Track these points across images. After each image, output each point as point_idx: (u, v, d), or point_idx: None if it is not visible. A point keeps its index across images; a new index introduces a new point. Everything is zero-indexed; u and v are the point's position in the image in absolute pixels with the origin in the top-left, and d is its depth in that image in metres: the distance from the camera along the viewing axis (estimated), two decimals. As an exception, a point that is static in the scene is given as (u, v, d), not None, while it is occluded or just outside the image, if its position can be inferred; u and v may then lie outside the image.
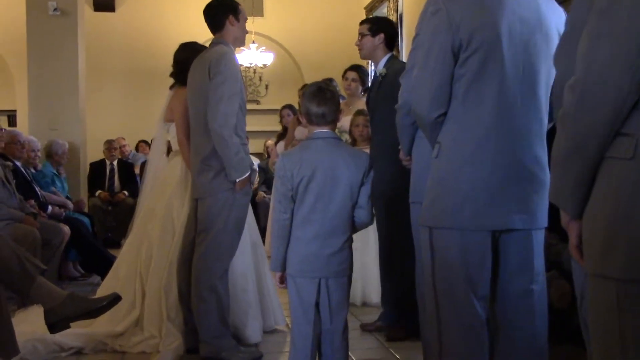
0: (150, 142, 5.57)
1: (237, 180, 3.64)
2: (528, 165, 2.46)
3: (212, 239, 3.71)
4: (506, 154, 2.44)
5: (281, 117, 7.57)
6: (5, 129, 6.35)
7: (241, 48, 5.39)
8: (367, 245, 4.96)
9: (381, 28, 4.27)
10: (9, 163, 5.61)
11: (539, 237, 2.55)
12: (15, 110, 10.97)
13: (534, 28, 2.48)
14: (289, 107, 7.46)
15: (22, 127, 8.82)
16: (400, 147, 3.32)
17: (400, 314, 4.20)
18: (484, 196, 2.43)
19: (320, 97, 2.86)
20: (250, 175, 3.71)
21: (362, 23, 4.42)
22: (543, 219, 2.53)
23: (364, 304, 5.11)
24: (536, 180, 2.47)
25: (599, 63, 1.46)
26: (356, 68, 5.56)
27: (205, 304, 3.70)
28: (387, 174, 3.87)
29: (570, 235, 1.62)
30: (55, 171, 6.79)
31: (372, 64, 4.80)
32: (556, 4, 2.61)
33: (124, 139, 9.64)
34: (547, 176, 2.46)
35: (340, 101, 3.14)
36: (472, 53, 2.41)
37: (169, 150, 4.46)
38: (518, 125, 2.46)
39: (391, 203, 4.00)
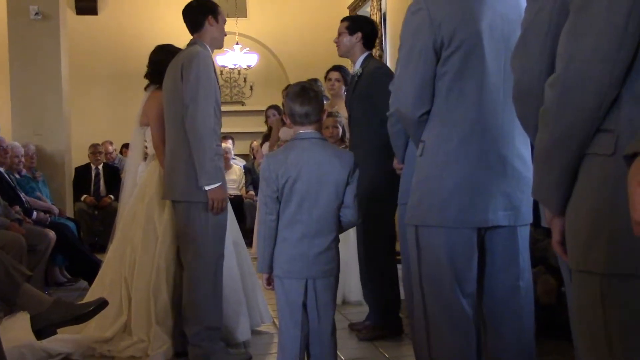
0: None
1: (207, 188, 3.59)
2: (511, 162, 2.47)
3: (195, 250, 3.70)
4: (489, 151, 2.45)
5: (266, 117, 7.56)
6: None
7: (225, 49, 5.40)
8: (346, 243, 4.96)
9: (359, 27, 4.29)
10: (-7, 169, 5.58)
11: (524, 233, 2.56)
12: (-3, 116, 10.89)
13: (515, 24, 2.47)
14: (274, 107, 7.46)
15: (5, 133, 8.75)
16: (395, 153, 3.33)
17: (382, 313, 4.22)
18: (469, 193, 2.44)
19: (304, 96, 2.85)
20: (222, 186, 3.65)
21: (342, 21, 4.44)
22: (528, 215, 2.55)
23: (344, 302, 5.12)
24: (520, 177, 2.48)
25: (579, 59, 1.47)
26: (338, 68, 5.58)
27: (197, 309, 3.70)
28: (364, 174, 3.85)
29: (553, 232, 1.63)
30: (29, 175, 6.70)
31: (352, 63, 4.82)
32: (537, 1, 2.62)
33: (111, 143, 9.59)
34: (530, 172, 2.47)
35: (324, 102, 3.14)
36: (453, 51, 2.42)
37: (146, 154, 4.44)
38: (501, 122, 2.47)
39: (369, 202, 4.00)
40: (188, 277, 3.74)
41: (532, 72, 1.67)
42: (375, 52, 7.85)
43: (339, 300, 5.05)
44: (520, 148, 2.50)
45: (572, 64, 1.48)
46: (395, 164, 3.37)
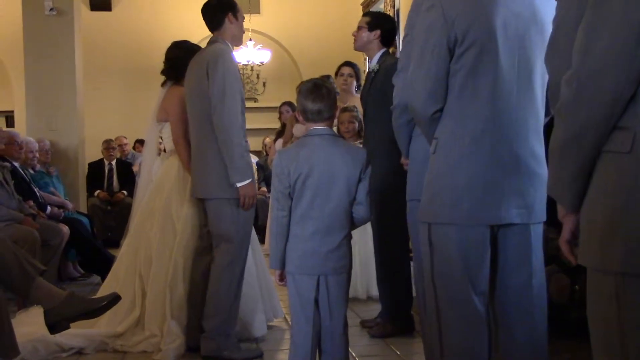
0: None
1: (238, 184, 3.62)
2: (525, 159, 2.46)
3: (226, 246, 3.74)
4: (503, 148, 2.44)
5: (280, 113, 7.58)
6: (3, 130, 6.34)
7: (240, 46, 5.41)
8: (367, 239, 4.96)
9: (379, 24, 4.28)
10: (7, 164, 5.61)
11: (538, 231, 2.55)
12: (12, 111, 10.97)
13: (529, 22, 2.48)
14: (288, 104, 7.47)
15: (20, 128, 8.80)
16: (400, 148, 3.32)
17: (394, 311, 4.21)
18: (482, 191, 2.43)
19: (316, 93, 2.86)
20: (252, 182, 3.69)
21: (364, 15, 4.47)
22: (541, 213, 2.53)
23: (369, 298, 5.13)
24: (533, 174, 2.47)
25: (595, 55, 1.46)
26: (350, 64, 5.59)
27: (221, 302, 3.73)
28: (380, 170, 3.86)
29: (563, 229, 1.62)
30: (43, 170, 6.74)
31: (367, 59, 4.82)
32: (550, -2, 2.61)
33: (125, 137, 9.65)
34: (544, 170, 2.46)
35: None
36: (467, 48, 2.41)
37: (160, 150, 4.46)
38: (514, 119, 2.46)
39: (384, 199, 4.00)
40: (218, 272, 3.75)
41: (563, 71, 1.66)
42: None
43: (364, 296, 5.07)
44: (534, 146, 2.49)
45: (588, 59, 1.47)
46: (402, 159, 3.37)
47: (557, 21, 1.71)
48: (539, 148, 2.50)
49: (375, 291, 5.10)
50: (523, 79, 2.46)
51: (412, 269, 3.94)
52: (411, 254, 3.64)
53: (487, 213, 2.44)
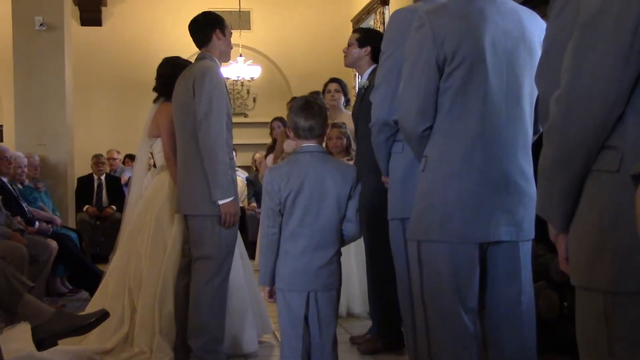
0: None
1: (220, 202, 3.61)
2: (513, 177, 2.47)
3: (206, 263, 3.71)
4: (492, 166, 2.45)
5: (271, 129, 7.58)
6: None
7: (229, 61, 5.41)
8: (348, 256, 4.96)
9: (369, 41, 4.29)
10: (-5, 179, 5.59)
11: (526, 249, 2.56)
12: (1, 125, 10.93)
13: (517, 41, 2.50)
14: (279, 119, 7.48)
15: (9, 143, 8.77)
16: (379, 166, 3.33)
17: (384, 327, 4.21)
18: (471, 208, 2.44)
19: (308, 111, 2.86)
20: (235, 200, 3.67)
21: (354, 32, 4.48)
22: (530, 231, 2.55)
23: (349, 314, 5.12)
24: (522, 192, 2.48)
25: (584, 75, 1.47)
26: (336, 80, 5.62)
27: (203, 320, 3.70)
28: (370, 186, 3.86)
29: (559, 248, 1.63)
30: (32, 185, 6.70)
31: (357, 75, 4.85)
32: (538, 17, 2.64)
33: (117, 151, 9.63)
34: (532, 188, 2.47)
35: None
36: (456, 66, 2.43)
37: (150, 166, 4.45)
38: (503, 137, 2.47)
39: (375, 215, 4.00)
40: (197, 288, 3.73)
41: (554, 91, 1.67)
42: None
43: (344, 314, 5.05)
44: (523, 164, 2.50)
45: (578, 79, 1.48)
46: (383, 178, 3.37)
47: (547, 42, 1.73)
48: (528, 166, 2.52)
49: (356, 308, 5.11)
50: (512, 97, 2.48)
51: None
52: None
53: (476, 231, 2.45)
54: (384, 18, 9.14)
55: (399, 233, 3.17)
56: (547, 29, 1.74)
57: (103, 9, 11.17)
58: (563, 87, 1.52)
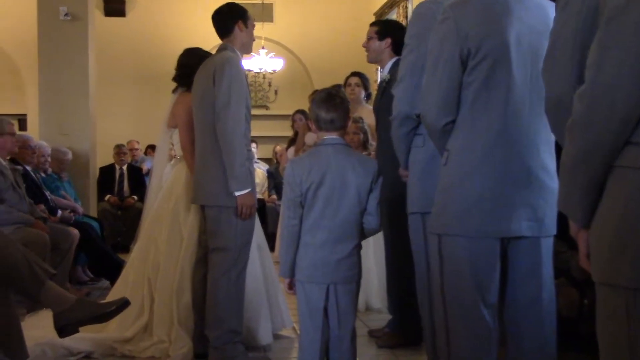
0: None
1: (237, 193, 3.62)
2: (535, 172, 2.46)
3: (222, 254, 3.72)
4: (514, 161, 2.44)
5: (293, 121, 7.58)
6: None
7: (251, 53, 5.43)
8: (366, 250, 4.96)
9: (389, 32, 4.25)
10: (19, 167, 5.64)
11: (548, 245, 2.55)
12: (25, 115, 11.03)
13: (542, 35, 2.48)
14: (301, 112, 7.47)
15: (33, 132, 8.85)
16: (399, 159, 3.32)
17: (403, 321, 4.20)
18: (492, 203, 2.43)
19: (330, 103, 2.87)
20: (251, 192, 3.67)
21: (371, 25, 4.42)
22: (551, 227, 2.53)
23: (367, 309, 5.12)
24: (544, 188, 2.47)
25: (607, 71, 1.47)
26: (357, 74, 5.61)
27: (221, 312, 3.71)
28: (391, 180, 3.85)
29: (580, 245, 1.62)
30: (56, 175, 6.77)
31: (379, 68, 4.82)
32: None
33: (137, 142, 9.70)
34: (555, 183, 2.46)
35: None
36: (480, 61, 2.42)
37: (171, 156, 4.48)
38: (526, 132, 2.46)
39: (395, 209, 3.99)
40: (214, 280, 3.75)
41: (561, 84, 1.67)
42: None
43: (362, 308, 5.05)
44: (545, 159, 2.49)
45: (601, 75, 1.48)
46: (401, 170, 3.36)
47: (553, 35, 1.72)
48: (550, 161, 2.50)
49: (375, 302, 5.11)
50: (535, 92, 2.46)
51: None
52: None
53: (497, 225, 2.44)
54: (407, 12, 9.10)
55: (419, 227, 3.16)
56: (553, 22, 1.73)
57: (127, -1, 11.25)
58: (587, 82, 1.52)
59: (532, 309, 2.52)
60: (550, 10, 2.55)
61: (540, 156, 2.47)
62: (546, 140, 2.50)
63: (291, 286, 2.90)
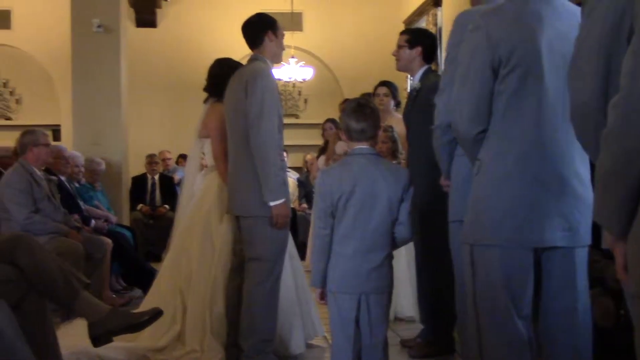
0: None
1: (272, 203, 3.63)
2: (569, 182, 2.43)
3: (261, 265, 3.73)
4: (547, 170, 2.42)
5: (323, 130, 7.59)
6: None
7: (281, 63, 5.46)
8: (397, 258, 4.92)
9: (419, 41, 4.25)
10: (54, 178, 5.72)
11: (582, 255, 2.52)
12: (59, 125, 11.18)
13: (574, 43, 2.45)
14: (331, 120, 7.48)
15: (66, 142, 8.98)
16: (441, 169, 3.30)
17: (435, 331, 4.17)
18: (525, 212, 2.41)
19: (360, 113, 2.88)
20: (286, 202, 3.69)
21: (401, 33, 4.41)
22: (586, 236, 2.50)
23: (396, 318, 5.09)
24: (578, 197, 2.44)
25: None
26: (386, 83, 5.60)
27: (255, 321, 3.73)
28: (422, 188, 3.83)
29: (616, 256, 1.59)
30: (90, 185, 6.86)
31: (409, 77, 4.80)
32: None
33: (169, 152, 9.78)
34: (589, 192, 2.43)
35: None
36: (511, 69, 2.41)
37: (202, 166, 4.51)
38: (559, 141, 2.44)
39: (426, 217, 3.97)
40: (249, 289, 3.77)
41: (586, 92, 1.65)
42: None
43: (391, 316, 5.02)
44: (579, 168, 2.46)
45: (636, 84, 1.46)
46: (442, 180, 3.34)
47: (578, 42, 1.71)
48: (584, 170, 2.48)
49: (403, 311, 5.07)
50: (568, 100, 2.44)
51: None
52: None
53: (530, 235, 2.42)
54: (436, 19, 9.07)
55: (459, 235, 3.14)
56: (579, 30, 1.72)
57: (158, 10, 11.35)
58: (621, 91, 1.50)
59: (567, 320, 2.49)
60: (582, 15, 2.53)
61: (574, 165, 2.45)
62: (579, 149, 2.46)
63: (323, 296, 2.91)
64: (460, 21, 3.23)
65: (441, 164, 3.29)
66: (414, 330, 4.54)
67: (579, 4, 2.64)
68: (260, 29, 3.83)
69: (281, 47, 3.93)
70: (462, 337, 3.28)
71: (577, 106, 1.70)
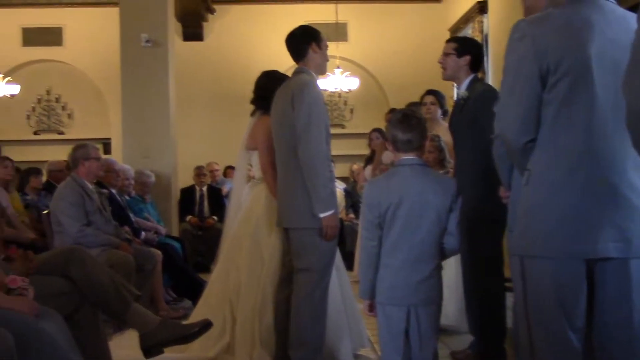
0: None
1: (321, 215, 3.63)
2: (622, 191, 2.37)
3: (310, 276, 3.74)
4: (598, 180, 2.37)
5: (370, 140, 7.59)
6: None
7: (326, 73, 5.47)
8: (446, 269, 4.87)
9: (468, 49, 4.21)
10: (105, 191, 5.83)
11: (638, 266, 2.45)
12: (109, 139, 11.40)
13: (625, 49, 2.40)
14: (378, 130, 7.47)
15: (116, 155, 9.14)
16: (501, 179, 3.25)
17: (485, 343, 4.11)
18: (576, 223, 2.36)
19: (406, 123, 2.87)
20: (335, 213, 3.69)
21: (448, 41, 4.37)
22: (641, 247, 2.44)
23: (444, 329, 5.01)
24: (632, 207, 2.38)
25: None
26: (433, 92, 5.57)
27: (304, 332, 3.74)
28: (469, 198, 3.78)
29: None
30: (140, 198, 6.98)
31: (455, 85, 4.76)
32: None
33: (217, 163, 9.88)
34: (644, 202, 2.37)
35: None
36: (560, 77, 2.37)
37: (249, 177, 4.54)
38: (611, 150, 2.38)
39: (473, 227, 3.92)
40: (298, 300, 3.78)
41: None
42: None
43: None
44: (633, 177, 2.40)
45: None
46: (502, 192, 3.28)
47: (634, 48, 1.67)
48: (638, 179, 2.42)
49: (446, 321, 4.99)
50: (620, 108, 2.37)
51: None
52: (509, 285, 3.54)
53: (581, 246, 2.37)
54: (482, 26, 8.99)
55: None
56: (635, 34, 1.68)
57: (204, 24, 11.51)
58: None
59: (622, 333, 2.42)
60: (633, 21, 2.47)
61: (628, 174, 2.39)
62: (633, 157, 2.41)
63: (371, 308, 2.90)
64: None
65: (501, 174, 3.22)
66: (463, 341, 4.49)
67: (629, 9, 2.60)
68: (304, 41, 3.85)
69: (325, 59, 3.95)
70: (515, 348, 3.22)
71: (632, 113, 1.67)
